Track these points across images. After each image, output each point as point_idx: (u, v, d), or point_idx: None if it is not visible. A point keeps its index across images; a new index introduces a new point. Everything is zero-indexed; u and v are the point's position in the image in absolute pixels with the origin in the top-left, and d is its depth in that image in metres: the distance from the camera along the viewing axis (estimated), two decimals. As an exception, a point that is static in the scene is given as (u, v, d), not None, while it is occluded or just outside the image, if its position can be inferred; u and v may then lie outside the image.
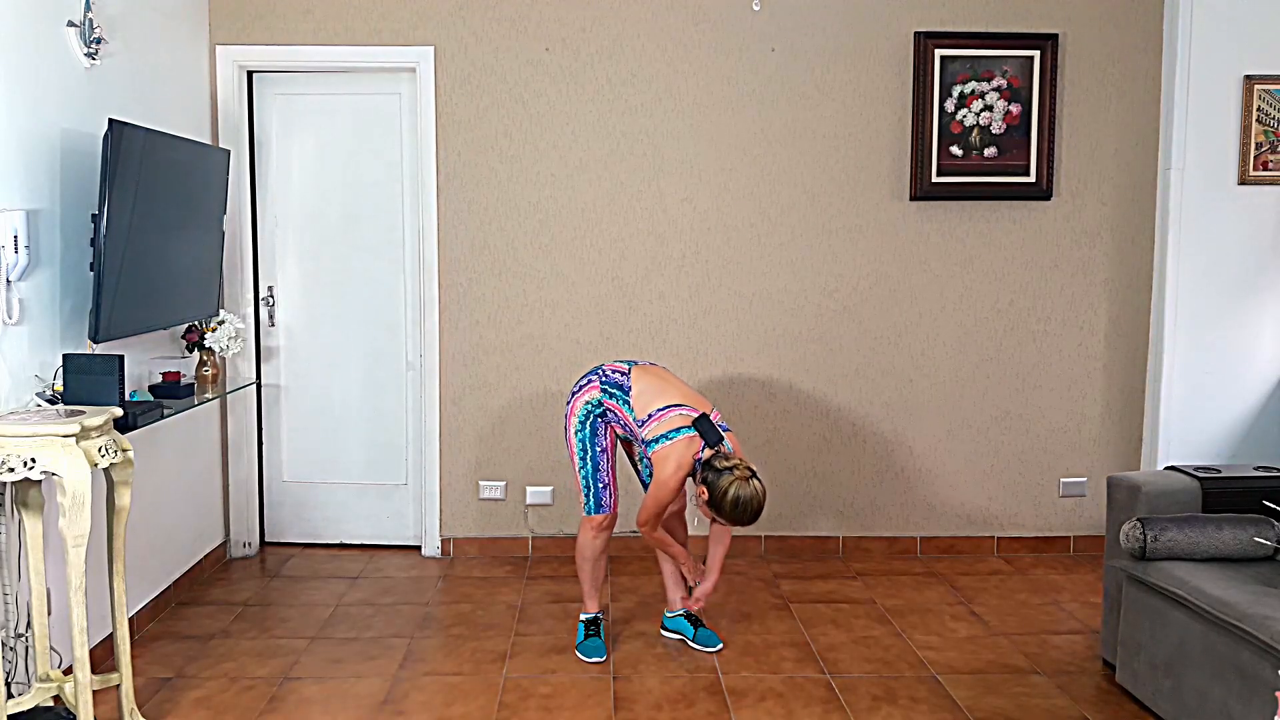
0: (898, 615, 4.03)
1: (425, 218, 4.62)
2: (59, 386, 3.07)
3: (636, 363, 3.64)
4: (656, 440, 3.42)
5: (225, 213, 4.24)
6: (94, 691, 2.82)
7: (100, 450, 2.74)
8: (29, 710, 2.88)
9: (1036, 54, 4.57)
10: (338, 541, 4.87)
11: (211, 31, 4.53)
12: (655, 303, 4.68)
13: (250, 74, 4.65)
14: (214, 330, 4.10)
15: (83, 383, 3.02)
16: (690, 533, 4.00)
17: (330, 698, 3.31)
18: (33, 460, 2.62)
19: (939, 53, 4.56)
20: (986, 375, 4.75)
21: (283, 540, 4.88)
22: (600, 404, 3.54)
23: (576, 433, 3.57)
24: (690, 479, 3.49)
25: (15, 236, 2.94)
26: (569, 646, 3.71)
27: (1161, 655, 3.07)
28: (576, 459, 3.58)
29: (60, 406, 2.93)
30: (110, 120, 3.15)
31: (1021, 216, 4.68)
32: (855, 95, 4.62)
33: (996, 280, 4.71)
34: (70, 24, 3.31)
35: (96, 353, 3.26)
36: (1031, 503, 4.81)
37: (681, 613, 3.79)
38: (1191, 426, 4.08)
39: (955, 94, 4.58)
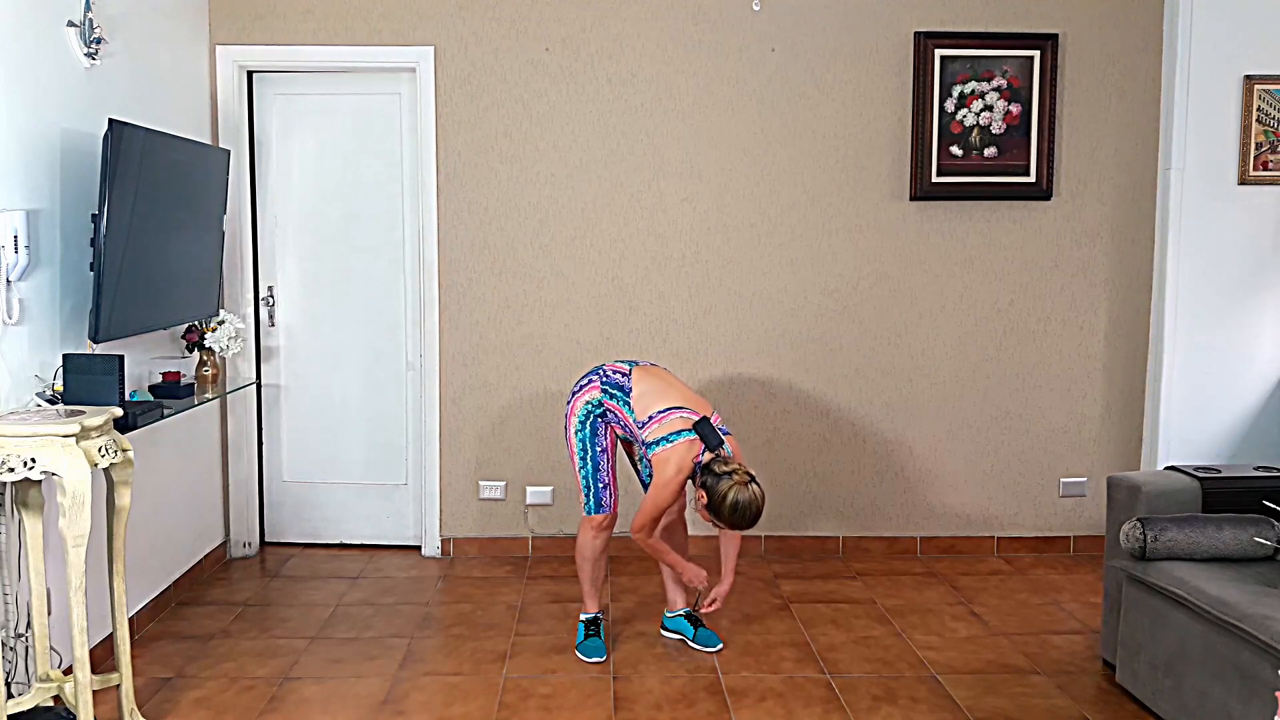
0: (898, 615, 4.03)
1: (425, 218, 4.62)
2: (59, 386, 3.07)
3: (637, 363, 3.64)
4: (657, 443, 3.42)
5: (225, 213, 4.24)
6: (94, 691, 2.82)
7: (100, 450, 2.74)
8: (29, 710, 2.88)
9: (1036, 54, 4.57)
10: (338, 541, 4.87)
11: (211, 31, 4.53)
12: (655, 303, 4.68)
13: (250, 74, 4.65)
14: (214, 330, 4.10)
15: (83, 383, 3.02)
16: (690, 532, 3.99)
17: (330, 698, 3.31)
18: (33, 460, 2.62)
19: (939, 53, 4.56)
20: (986, 375, 4.75)
21: (283, 540, 4.88)
22: (601, 404, 3.54)
23: (577, 433, 3.57)
24: (690, 481, 3.49)
25: (15, 236, 2.94)
26: (569, 646, 3.71)
27: (1162, 655, 3.07)
28: (577, 459, 3.58)
29: (60, 406, 2.93)
30: (110, 120, 3.15)
31: (1021, 216, 4.68)
32: (855, 95, 4.62)
33: (996, 280, 4.71)
34: (70, 24, 3.31)
35: (96, 353, 3.26)
36: (1031, 503, 4.81)
37: (682, 613, 3.79)
38: (1191, 426, 4.08)
39: (955, 94, 4.58)
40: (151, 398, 3.70)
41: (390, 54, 4.55)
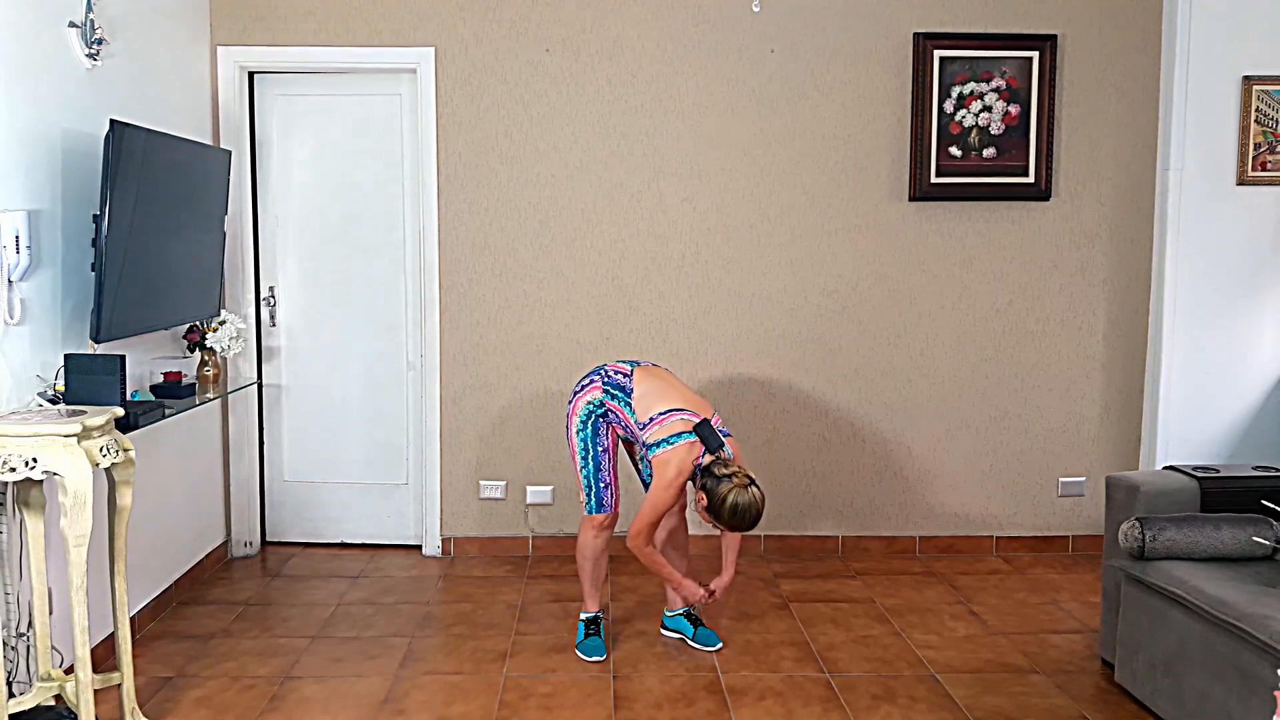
0: (897, 615, 4.04)
1: (426, 218, 4.63)
2: (60, 386, 3.08)
3: (639, 363, 3.65)
4: (658, 445, 3.43)
5: (226, 213, 4.24)
6: (95, 691, 2.83)
7: (102, 450, 2.75)
8: (30, 709, 2.89)
9: (1035, 55, 4.58)
10: (338, 541, 4.87)
11: (213, 32, 4.54)
12: (655, 303, 4.68)
13: (251, 74, 4.66)
14: (215, 330, 4.11)
15: (84, 383, 3.03)
16: (690, 532, 4.00)
17: (331, 697, 3.32)
18: (34, 460, 2.63)
19: (938, 53, 4.57)
20: (985, 375, 4.75)
21: (284, 540, 4.89)
22: (602, 404, 3.55)
23: (578, 432, 3.57)
24: (690, 483, 3.50)
25: (17, 237, 2.95)
26: (569, 646, 3.72)
27: (1160, 655, 3.07)
28: (578, 459, 3.59)
29: (62, 406, 2.94)
30: (111, 121, 3.16)
31: (1020, 217, 4.69)
32: (855, 95, 4.63)
33: (995, 280, 4.72)
34: (71, 25, 3.31)
35: (98, 353, 3.26)
36: (1030, 502, 4.81)
37: (681, 612, 3.80)
38: (1190, 426, 4.09)
39: (954, 95, 4.59)
40: (153, 398, 3.71)
41: (391, 55, 4.56)
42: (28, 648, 3.02)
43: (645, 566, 3.63)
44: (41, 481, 2.85)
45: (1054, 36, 4.57)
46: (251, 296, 4.70)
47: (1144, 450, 4.26)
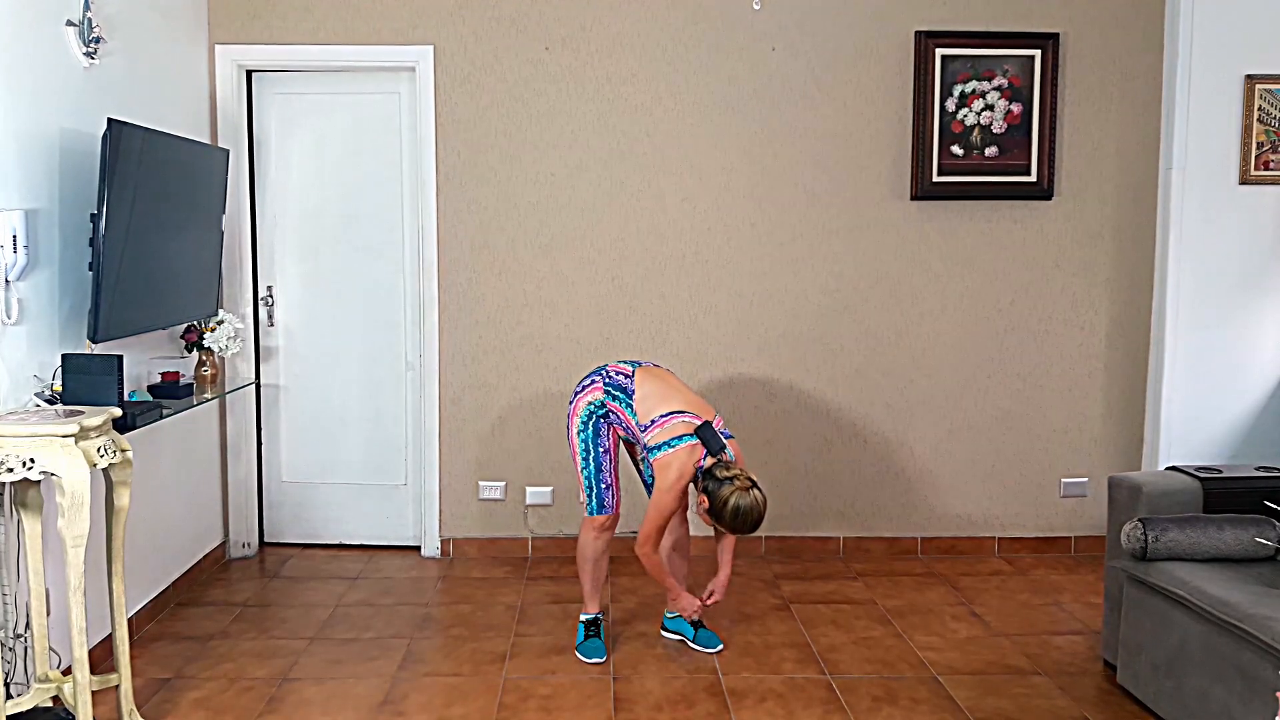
0: (898, 616, 4.02)
1: (425, 217, 4.62)
2: (58, 386, 3.07)
3: (640, 364, 3.63)
4: (659, 447, 3.41)
5: (224, 212, 4.23)
6: (93, 692, 2.82)
7: (99, 450, 2.74)
8: (28, 710, 2.88)
9: (1037, 53, 4.57)
10: (337, 542, 4.86)
11: (211, 31, 4.52)
12: (655, 303, 4.67)
13: (249, 73, 4.65)
14: (213, 330, 4.10)
15: (82, 383, 3.01)
16: (691, 532, 3.98)
17: (329, 698, 3.31)
18: (32, 460, 2.61)
19: (940, 52, 4.56)
20: (987, 375, 4.74)
21: (282, 540, 4.87)
22: (603, 405, 3.54)
23: (579, 433, 3.56)
24: (693, 485, 3.49)
25: (14, 236, 2.94)
26: (569, 647, 3.71)
27: (1163, 656, 3.06)
28: (579, 459, 3.57)
29: (59, 406, 2.93)
30: (109, 120, 3.15)
31: (1022, 216, 4.68)
32: (855, 95, 4.61)
33: (997, 280, 4.70)
34: (69, 23, 3.30)
35: (95, 353, 3.25)
36: (1032, 503, 4.80)
37: (682, 613, 3.79)
38: (1193, 427, 4.07)
39: (956, 93, 4.57)
40: (150, 398, 3.69)
41: (390, 53, 4.54)
42: (25, 649, 3.01)
43: (646, 570, 3.62)
44: (39, 482, 2.84)
45: (1056, 35, 4.56)
46: (249, 296, 4.69)
47: (1146, 450, 4.24)
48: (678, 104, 4.60)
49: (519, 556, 4.74)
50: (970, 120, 4.59)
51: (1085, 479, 4.78)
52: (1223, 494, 3.32)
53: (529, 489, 4.73)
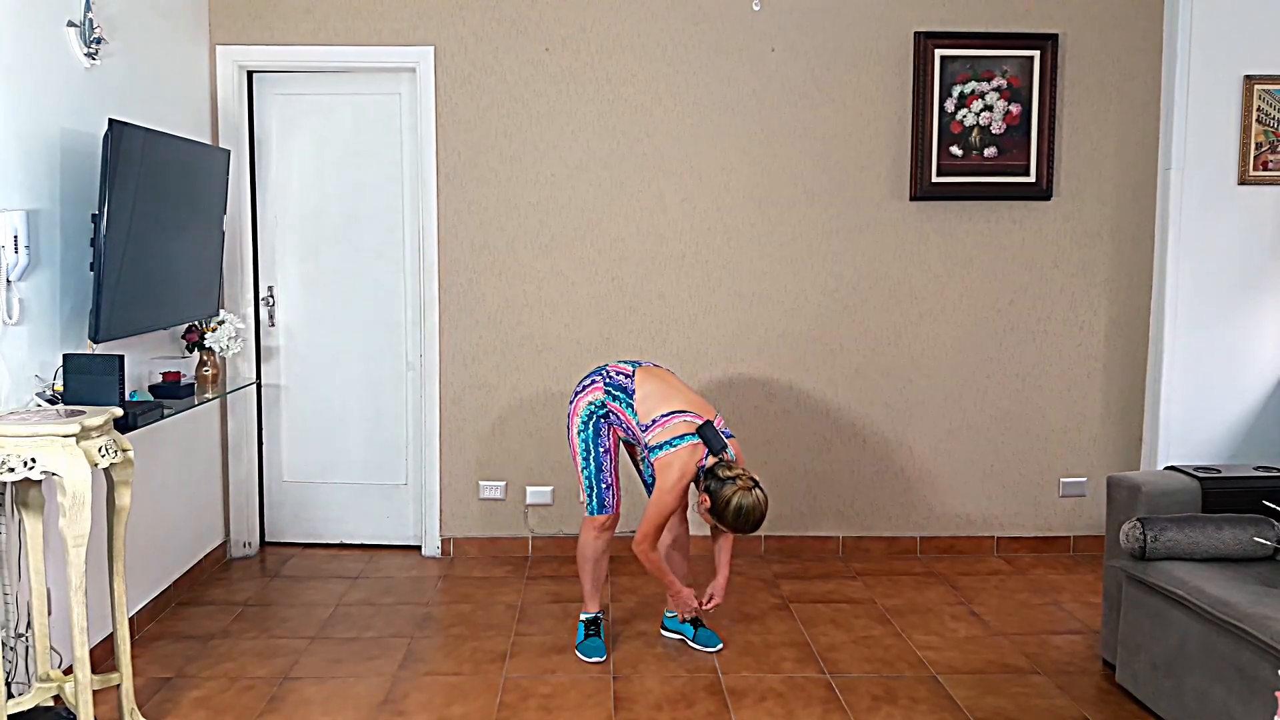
0: (898, 615, 4.03)
1: (425, 218, 4.62)
2: (59, 386, 3.07)
3: (640, 363, 3.64)
4: (660, 447, 3.42)
5: (225, 213, 4.24)
6: (94, 691, 2.82)
7: (100, 450, 2.74)
8: (29, 710, 2.88)
9: (1036, 54, 4.57)
10: (338, 541, 4.87)
11: (211, 31, 4.53)
12: (655, 303, 4.68)
13: (250, 74, 4.65)
14: (214, 330, 4.10)
15: (83, 383, 3.02)
16: (691, 531, 3.99)
17: (330, 698, 3.31)
18: (33, 460, 2.62)
19: (939, 53, 4.56)
20: (986, 375, 4.75)
21: (283, 540, 4.88)
22: (604, 405, 3.54)
23: (579, 433, 3.57)
24: (694, 485, 3.49)
25: (15, 236, 2.94)
26: (569, 646, 3.71)
27: (1161, 655, 3.07)
28: (579, 459, 3.58)
29: (60, 406, 2.93)
30: (110, 120, 3.15)
31: (1021, 216, 4.68)
32: (855, 95, 4.62)
33: (996, 280, 4.71)
34: (70, 24, 3.31)
35: (96, 353, 3.26)
36: (1031, 503, 4.81)
37: (682, 613, 3.79)
38: (1191, 426, 4.08)
39: (955, 94, 4.58)
40: (151, 398, 3.70)
41: (390, 54, 4.55)
42: (26, 648, 3.01)
43: (646, 569, 3.62)
44: (40, 482, 2.85)
45: (1055, 36, 4.57)
46: (250, 296, 4.69)
47: (1145, 450, 4.25)
48: (677, 104, 4.60)
49: (519, 556, 4.75)
50: (969, 121, 4.59)
51: (1084, 479, 4.79)
52: (1221, 494, 3.33)
53: (529, 489, 4.74)
